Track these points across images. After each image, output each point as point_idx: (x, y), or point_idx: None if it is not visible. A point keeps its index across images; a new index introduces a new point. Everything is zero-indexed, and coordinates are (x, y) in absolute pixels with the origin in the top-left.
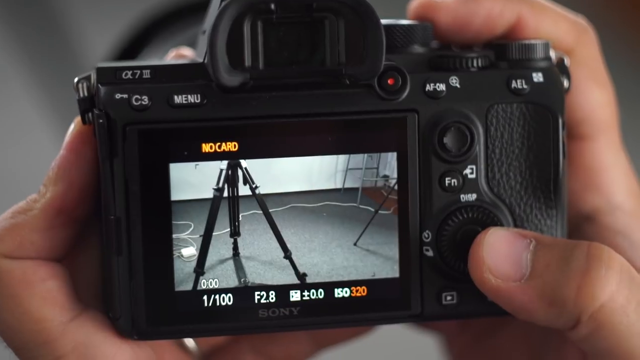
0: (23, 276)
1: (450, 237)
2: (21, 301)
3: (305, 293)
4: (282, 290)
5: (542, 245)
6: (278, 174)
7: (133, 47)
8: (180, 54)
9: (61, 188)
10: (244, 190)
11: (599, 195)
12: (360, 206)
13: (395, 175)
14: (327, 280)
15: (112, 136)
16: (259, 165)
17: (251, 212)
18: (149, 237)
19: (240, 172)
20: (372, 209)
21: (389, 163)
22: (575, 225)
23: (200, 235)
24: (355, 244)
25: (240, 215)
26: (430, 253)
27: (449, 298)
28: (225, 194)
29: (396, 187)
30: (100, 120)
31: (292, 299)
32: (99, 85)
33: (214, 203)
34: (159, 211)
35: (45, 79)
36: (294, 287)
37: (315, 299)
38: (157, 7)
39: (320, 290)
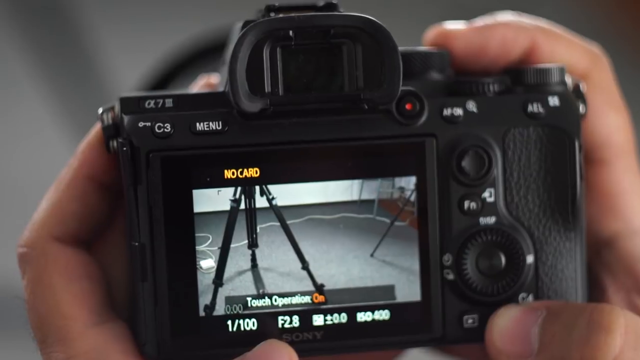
0: (65, 269)
1: (471, 260)
2: (56, 292)
3: (329, 317)
4: (306, 315)
5: (550, 314)
6: (295, 185)
7: (160, 82)
8: (209, 83)
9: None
10: (260, 202)
11: (618, 220)
12: (377, 218)
13: (411, 187)
14: (350, 304)
15: (136, 163)
16: None
17: (269, 224)
18: (174, 263)
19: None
20: (388, 221)
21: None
22: (595, 251)
23: (219, 247)
24: (372, 255)
25: (258, 227)
26: (451, 276)
27: (470, 321)
28: (242, 205)
29: (412, 198)
30: (124, 148)
31: (315, 324)
32: (123, 114)
33: (231, 215)
34: (182, 237)
35: (73, 108)
36: (317, 311)
37: (338, 323)
38: (184, 45)
39: (343, 314)
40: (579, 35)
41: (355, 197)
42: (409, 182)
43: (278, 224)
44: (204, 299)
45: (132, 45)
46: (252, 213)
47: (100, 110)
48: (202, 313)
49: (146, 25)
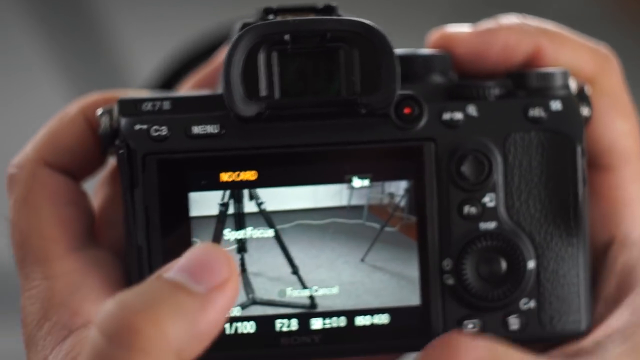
0: (52, 192)
1: (471, 265)
2: (41, 213)
3: (327, 321)
4: (304, 318)
5: None
6: (284, 190)
7: (169, 79)
8: (200, 80)
9: None
10: (249, 206)
11: (618, 228)
12: (366, 223)
13: (400, 192)
14: (348, 307)
15: (133, 166)
16: None
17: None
18: None
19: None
20: (378, 226)
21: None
22: (593, 257)
23: None
24: (362, 260)
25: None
26: (450, 281)
27: (470, 326)
28: (231, 210)
29: (402, 204)
30: (121, 151)
31: (313, 327)
32: (121, 116)
33: (220, 219)
34: (179, 240)
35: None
36: (315, 315)
37: (337, 327)
38: (192, 41)
39: (342, 317)
40: (590, 27)
41: (344, 202)
42: (398, 188)
43: (268, 228)
44: None
45: (149, 29)
46: (240, 217)
47: (99, 112)
48: None
49: (165, 9)
